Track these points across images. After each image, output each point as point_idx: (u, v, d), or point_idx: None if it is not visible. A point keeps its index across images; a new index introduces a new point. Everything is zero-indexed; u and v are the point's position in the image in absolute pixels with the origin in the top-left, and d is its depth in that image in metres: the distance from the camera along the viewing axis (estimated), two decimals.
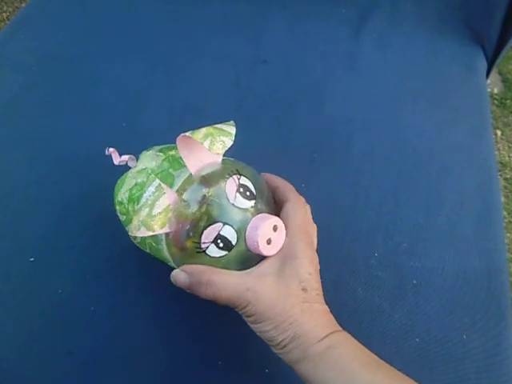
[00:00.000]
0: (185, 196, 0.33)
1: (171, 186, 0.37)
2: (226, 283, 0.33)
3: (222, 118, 0.60)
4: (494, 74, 1.57)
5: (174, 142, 0.56)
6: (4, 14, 1.52)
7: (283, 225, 0.34)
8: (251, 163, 0.55)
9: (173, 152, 0.41)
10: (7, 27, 0.70)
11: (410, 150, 0.60)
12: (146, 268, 0.47)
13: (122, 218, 0.42)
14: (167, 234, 0.35)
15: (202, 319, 0.45)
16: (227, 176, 0.34)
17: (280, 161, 0.57)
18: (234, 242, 0.33)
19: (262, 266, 0.34)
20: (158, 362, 0.43)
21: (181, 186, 0.34)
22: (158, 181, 0.33)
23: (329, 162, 0.57)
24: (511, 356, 0.45)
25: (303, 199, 0.38)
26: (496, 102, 1.49)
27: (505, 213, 1.26)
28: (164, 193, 0.33)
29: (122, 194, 0.41)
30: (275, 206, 0.37)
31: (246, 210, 0.33)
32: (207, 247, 0.33)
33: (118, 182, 0.43)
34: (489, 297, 0.48)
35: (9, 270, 0.47)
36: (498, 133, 1.41)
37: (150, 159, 0.41)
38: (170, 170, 0.38)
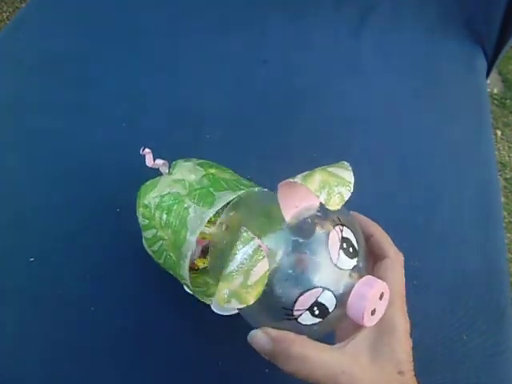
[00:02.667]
0: (278, 252, 0.28)
1: (210, 205, 0.36)
2: (322, 362, 0.28)
3: (222, 117, 0.61)
4: (493, 74, 1.57)
5: (174, 143, 0.56)
6: (4, 14, 1.52)
7: (388, 290, 0.29)
8: (251, 163, 0.55)
9: (213, 170, 0.41)
10: (7, 27, 0.70)
11: (409, 150, 0.60)
12: (146, 268, 0.47)
13: (144, 221, 0.41)
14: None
15: (202, 319, 0.45)
16: (329, 227, 0.28)
17: (280, 161, 0.57)
18: (331, 310, 0.28)
19: (355, 342, 0.29)
20: (158, 362, 0.43)
21: (268, 234, 0.28)
22: (256, 241, 0.26)
23: (329, 162, 0.57)
24: (511, 355, 0.45)
25: (402, 256, 0.34)
26: (496, 101, 1.48)
27: (505, 213, 1.26)
28: (263, 257, 0.26)
29: (150, 197, 0.40)
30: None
31: (348, 271, 0.28)
32: (300, 315, 0.28)
33: (148, 183, 0.42)
34: (488, 297, 0.48)
35: (9, 269, 0.47)
36: (498, 133, 1.41)
37: (188, 171, 0.40)
38: (211, 189, 0.37)
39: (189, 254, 0.36)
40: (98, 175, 0.54)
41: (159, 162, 0.42)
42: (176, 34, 0.69)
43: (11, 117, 0.59)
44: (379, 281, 0.28)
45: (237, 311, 0.42)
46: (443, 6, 0.71)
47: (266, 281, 0.26)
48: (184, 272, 0.37)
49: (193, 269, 0.47)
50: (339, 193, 0.28)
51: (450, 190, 0.56)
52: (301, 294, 0.27)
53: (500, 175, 1.33)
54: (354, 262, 0.28)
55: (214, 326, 0.45)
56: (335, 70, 0.67)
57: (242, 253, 0.26)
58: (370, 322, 0.28)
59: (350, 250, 0.28)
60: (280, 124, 0.61)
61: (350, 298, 0.28)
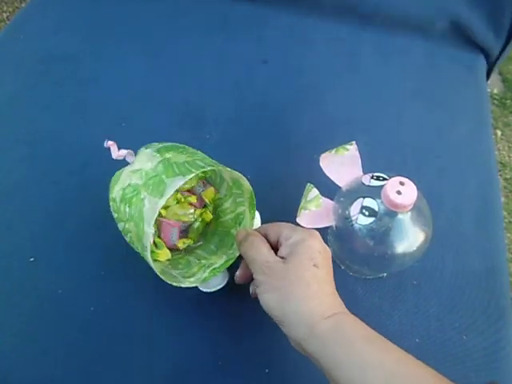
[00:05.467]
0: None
1: (161, 195, 0.37)
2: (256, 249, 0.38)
3: (222, 117, 0.61)
4: (493, 74, 1.57)
5: (174, 142, 0.56)
6: (4, 14, 1.52)
7: (411, 182, 0.37)
8: (251, 163, 0.55)
9: (169, 155, 0.41)
10: (7, 27, 0.70)
11: (409, 149, 0.60)
12: (146, 268, 0.47)
13: (114, 215, 0.43)
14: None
15: (201, 320, 0.45)
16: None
17: (280, 161, 0.57)
18: (376, 209, 0.39)
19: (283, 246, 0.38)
20: (157, 363, 0.43)
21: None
22: (310, 186, 0.46)
23: None
24: (510, 354, 0.45)
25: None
26: (496, 101, 1.48)
27: (505, 213, 1.26)
28: (313, 187, 0.46)
29: (115, 191, 0.42)
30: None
31: (379, 187, 0.39)
32: (356, 218, 0.40)
33: (114, 176, 0.43)
34: (488, 297, 0.48)
35: (9, 269, 0.47)
36: (498, 133, 1.41)
37: (146, 159, 0.41)
38: (163, 177, 0.38)
39: (148, 244, 0.37)
40: (97, 175, 0.54)
41: (123, 152, 0.42)
42: (176, 33, 0.69)
43: (11, 117, 0.60)
44: (397, 176, 0.38)
45: (220, 287, 0.44)
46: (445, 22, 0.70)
47: (320, 199, 0.45)
48: (150, 263, 0.39)
49: (176, 250, 0.47)
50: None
51: (450, 190, 0.56)
52: (350, 204, 0.41)
53: (500, 175, 1.33)
54: (382, 182, 0.40)
55: (214, 326, 0.45)
56: (335, 70, 0.67)
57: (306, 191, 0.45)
58: (399, 199, 0.36)
59: (380, 178, 0.42)
60: (280, 124, 0.61)
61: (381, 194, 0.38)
